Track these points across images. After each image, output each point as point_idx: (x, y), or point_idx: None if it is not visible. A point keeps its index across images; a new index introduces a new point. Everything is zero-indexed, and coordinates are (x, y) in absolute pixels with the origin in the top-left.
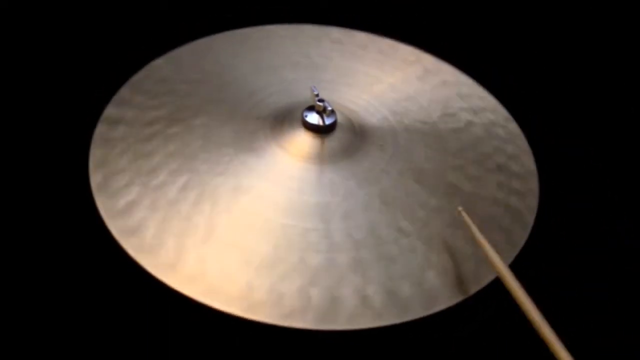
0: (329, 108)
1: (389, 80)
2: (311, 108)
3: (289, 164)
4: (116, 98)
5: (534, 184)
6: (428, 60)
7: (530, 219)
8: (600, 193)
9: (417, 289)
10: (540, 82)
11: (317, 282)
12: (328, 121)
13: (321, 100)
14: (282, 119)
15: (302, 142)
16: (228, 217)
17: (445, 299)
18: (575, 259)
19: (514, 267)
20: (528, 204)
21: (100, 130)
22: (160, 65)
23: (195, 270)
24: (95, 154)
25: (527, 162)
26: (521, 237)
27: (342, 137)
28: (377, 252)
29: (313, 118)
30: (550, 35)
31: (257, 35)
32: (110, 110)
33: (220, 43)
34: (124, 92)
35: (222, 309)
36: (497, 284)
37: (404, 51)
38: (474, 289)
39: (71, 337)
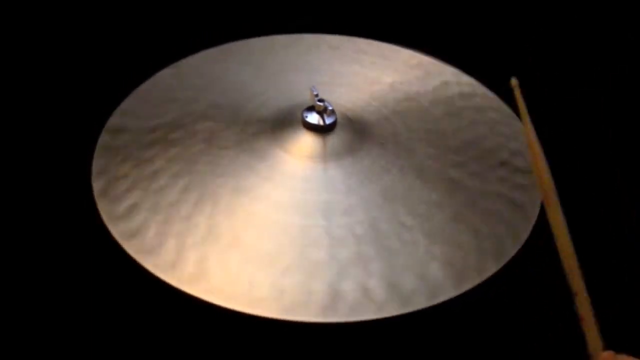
0: (329, 108)
1: (389, 81)
2: (311, 108)
3: (289, 164)
4: (120, 108)
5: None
6: (429, 63)
7: (533, 212)
8: (604, 189)
9: (419, 281)
10: (543, 81)
11: (319, 276)
12: (328, 121)
13: (321, 100)
14: (283, 120)
15: (302, 142)
16: (229, 216)
17: (447, 291)
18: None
19: (516, 260)
20: (532, 198)
21: (103, 139)
22: (164, 76)
23: (196, 269)
24: (98, 162)
25: None
26: (525, 230)
27: (342, 136)
28: (378, 246)
29: (313, 118)
30: (553, 32)
31: (258, 45)
32: (113, 120)
33: (222, 54)
34: (128, 102)
35: (224, 305)
36: (500, 276)
37: (404, 54)
38: (476, 280)
39: (76, 337)
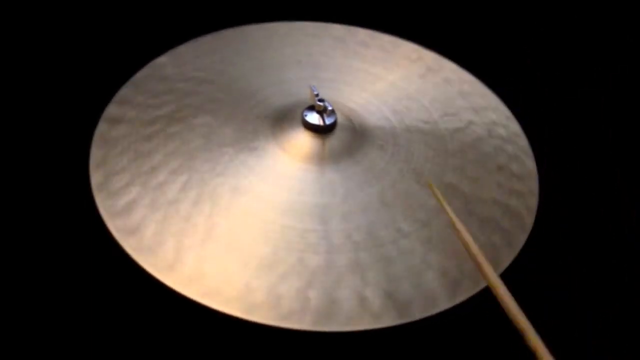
0: (329, 108)
1: (390, 78)
2: (311, 108)
3: (288, 164)
4: (117, 97)
5: (533, 185)
6: (430, 58)
7: (529, 220)
8: (604, 189)
9: (415, 290)
10: (543, 80)
11: (316, 284)
12: (328, 121)
13: (321, 100)
14: (283, 119)
15: (301, 142)
16: (227, 217)
17: (444, 300)
18: (574, 260)
19: (512, 268)
20: (528, 205)
21: (101, 129)
22: (162, 64)
23: (194, 271)
24: (95, 154)
25: (527, 162)
26: (520, 238)
27: (342, 136)
28: (376, 253)
29: (313, 118)
30: (553, 33)
31: (259, 33)
32: (111, 109)
33: (222, 41)
34: (126, 91)
35: (220, 309)
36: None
37: (405, 48)
38: (473, 290)
39: (70, 336)
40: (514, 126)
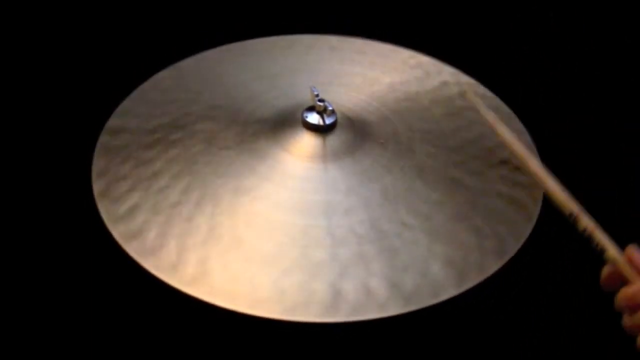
0: (330, 107)
1: (388, 81)
2: (311, 108)
3: (290, 164)
4: (119, 109)
5: None
6: (428, 63)
7: (534, 211)
8: (604, 189)
9: (420, 280)
10: (543, 81)
11: (320, 277)
12: (328, 121)
13: (321, 100)
14: (283, 120)
15: (303, 142)
16: (229, 217)
17: (448, 289)
18: (578, 253)
19: (517, 259)
20: (533, 196)
21: (103, 140)
22: (164, 77)
23: (198, 270)
24: (98, 163)
25: None
26: (526, 229)
27: (342, 136)
28: (380, 245)
29: (313, 118)
30: (552, 33)
31: (258, 46)
32: (113, 121)
33: (223, 54)
34: (128, 103)
35: (225, 306)
36: (501, 275)
37: (403, 54)
38: (477, 279)
39: (77, 338)
40: (517, 124)
